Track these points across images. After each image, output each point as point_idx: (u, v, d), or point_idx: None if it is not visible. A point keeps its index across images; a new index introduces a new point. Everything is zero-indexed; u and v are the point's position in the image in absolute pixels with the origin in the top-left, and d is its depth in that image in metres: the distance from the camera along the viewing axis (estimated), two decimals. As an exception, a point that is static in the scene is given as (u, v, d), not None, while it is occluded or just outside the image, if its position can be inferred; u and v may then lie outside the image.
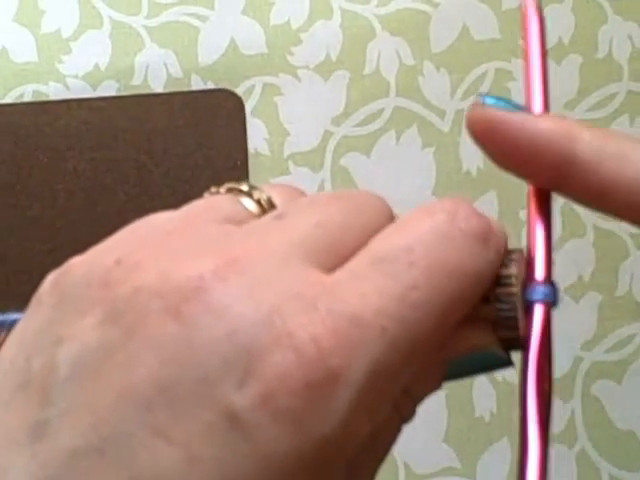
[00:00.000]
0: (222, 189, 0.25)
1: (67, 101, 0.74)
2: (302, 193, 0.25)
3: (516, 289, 0.24)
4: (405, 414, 0.24)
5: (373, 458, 0.23)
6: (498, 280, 0.23)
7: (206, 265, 0.20)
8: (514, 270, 0.24)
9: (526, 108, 0.24)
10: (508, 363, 0.24)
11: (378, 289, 0.20)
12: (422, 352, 0.21)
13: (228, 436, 0.19)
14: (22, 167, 0.73)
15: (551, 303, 0.24)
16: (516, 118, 0.23)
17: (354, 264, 0.21)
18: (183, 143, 0.74)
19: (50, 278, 0.23)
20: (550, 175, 0.23)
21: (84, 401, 0.19)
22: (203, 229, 0.22)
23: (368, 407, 0.20)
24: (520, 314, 0.24)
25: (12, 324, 0.24)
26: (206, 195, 0.25)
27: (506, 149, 0.23)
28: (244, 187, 0.25)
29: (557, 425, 0.73)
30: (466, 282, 0.22)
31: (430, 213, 0.22)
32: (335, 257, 0.21)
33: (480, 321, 0.23)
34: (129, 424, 0.19)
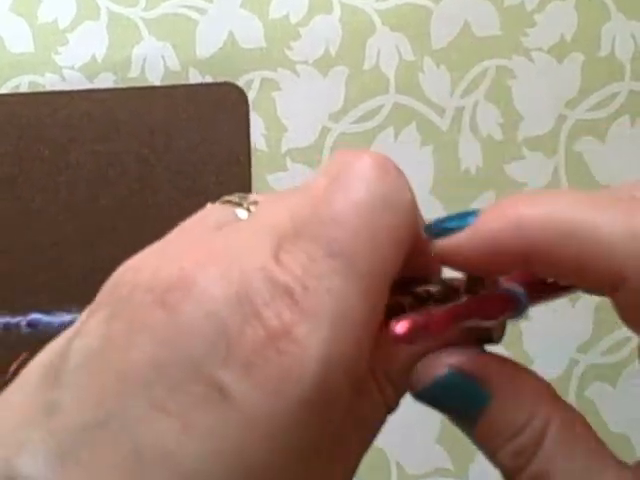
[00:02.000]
0: (218, 202, 0.28)
1: (69, 92, 0.74)
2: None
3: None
4: (389, 401, 0.26)
5: (359, 438, 0.26)
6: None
7: (187, 259, 0.23)
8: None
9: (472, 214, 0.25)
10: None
11: (308, 255, 0.23)
12: (376, 291, 0.23)
13: (218, 406, 0.21)
14: (24, 159, 0.73)
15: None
16: (462, 236, 0.24)
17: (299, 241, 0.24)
18: (186, 137, 0.73)
19: None
20: (522, 262, 0.24)
21: (91, 382, 0.22)
22: (194, 234, 0.25)
23: (340, 364, 0.22)
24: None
25: (63, 325, 0.28)
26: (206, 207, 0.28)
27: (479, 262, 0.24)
28: (235, 198, 0.27)
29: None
30: (378, 210, 0.24)
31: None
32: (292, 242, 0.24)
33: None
34: (130, 399, 0.21)
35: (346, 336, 0.22)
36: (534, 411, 0.24)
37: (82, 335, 0.23)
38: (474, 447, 0.75)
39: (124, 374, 0.22)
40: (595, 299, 0.74)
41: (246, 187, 0.72)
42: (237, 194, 0.27)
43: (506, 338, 0.27)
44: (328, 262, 0.23)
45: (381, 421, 0.26)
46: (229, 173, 0.73)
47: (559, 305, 0.73)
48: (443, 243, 0.24)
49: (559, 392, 0.25)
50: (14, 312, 0.60)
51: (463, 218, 0.24)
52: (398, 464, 0.74)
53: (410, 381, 0.26)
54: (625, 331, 0.83)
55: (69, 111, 0.73)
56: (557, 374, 0.72)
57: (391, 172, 0.25)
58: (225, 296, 0.22)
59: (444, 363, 0.25)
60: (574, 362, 0.73)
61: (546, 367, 0.58)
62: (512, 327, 0.27)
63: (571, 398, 0.72)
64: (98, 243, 0.69)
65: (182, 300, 0.22)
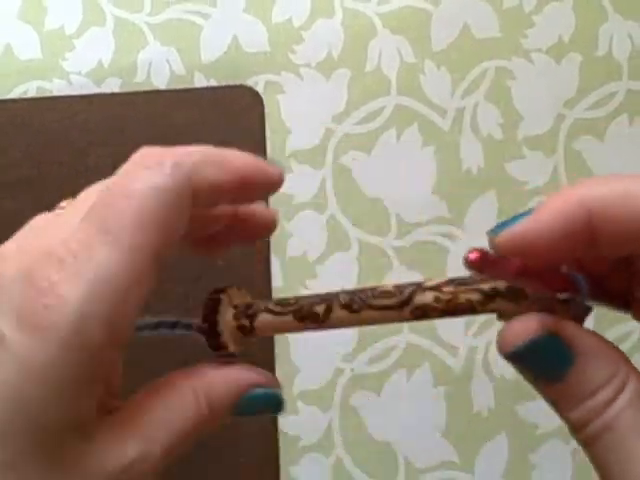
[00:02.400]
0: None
1: (89, 96, 0.75)
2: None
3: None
4: (205, 419, 0.31)
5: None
6: None
7: (10, 242, 0.31)
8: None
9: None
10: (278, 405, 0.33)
11: (82, 233, 0.28)
12: (139, 263, 0.28)
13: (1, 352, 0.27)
14: (43, 163, 0.73)
15: None
16: (526, 223, 0.27)
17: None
18: (203, 139, 0.74)
19: None
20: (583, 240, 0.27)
21: None
22: (33, 221, 0.32)
23: (95, 318, 0.27)
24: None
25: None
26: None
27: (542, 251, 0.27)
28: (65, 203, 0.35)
29: (551, 424, 0.75)
30: (141, 195, 0.28)
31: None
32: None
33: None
34: None
35: (103, 296, 0.27)
36: (613, 372, 0.27)
37: None
38: (479, 441, 0.76)
39: None
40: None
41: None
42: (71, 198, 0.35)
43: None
44: (99, 237, 0.28)
45: (190, 422, 0.31)
46: None
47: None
48: (507, 233, 0.27)
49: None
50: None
51: (524, 214, 0.27)
52: (405, 458, 0.75)
53: (499, 343, 0.28)
54: (626, 326, 0.84)
55: (87, 115, 0.74)
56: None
57: (166, 165, 0.29)
58: (16, 271, 0.28)
59: (538, 325, 0.27)
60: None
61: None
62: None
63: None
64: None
65: None
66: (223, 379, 0.31)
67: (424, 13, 0.78)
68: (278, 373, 0.73)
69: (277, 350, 0.74)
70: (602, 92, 0.78)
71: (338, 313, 0.32)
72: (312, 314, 0.32)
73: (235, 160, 0.32)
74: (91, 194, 0.31)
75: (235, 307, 0.34)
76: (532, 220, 0.26)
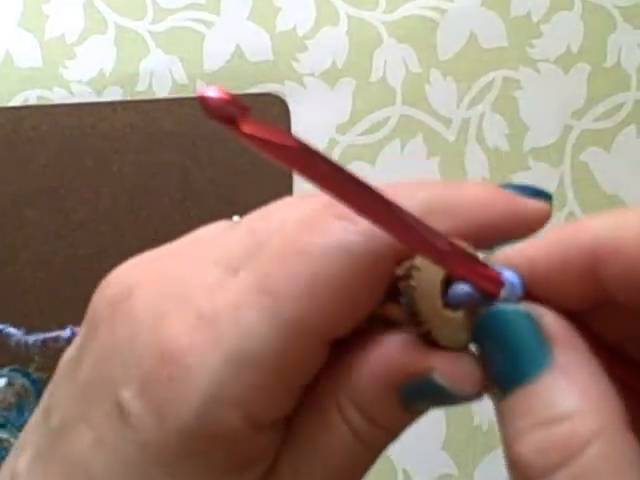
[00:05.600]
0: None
1: (112, 103, 0.74)
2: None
3: (415, 282, 0.22)
4: (360, 431, 0.23)
5: (325, 472, 0.23)
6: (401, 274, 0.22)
7: (136, 277, 0.24)
8: (417, 261, 0.22)
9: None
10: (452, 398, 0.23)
11: (236, 286, 0.22)
12: (298, 342, 0.21)
13: (120, 424, 0.22)
14: (67, 170, 0.73)
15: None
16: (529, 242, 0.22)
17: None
18: (227, 147, 0.73)
19: None
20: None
21: (67, 393, 0.24)
22: (199, 232, 0.26)
23: (229, 404, 0.21)
24: (426, 307, 0.22)
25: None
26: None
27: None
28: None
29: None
30: (322, 257, 0.21)
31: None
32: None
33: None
34: (74, 410, 0.23)
35: (242, 377, 0.21)
36: (584, 410, 0.20)
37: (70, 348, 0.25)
38: (478, 454, 0.76)
39: (76, 386, 0.23)
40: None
41: (287, 197, 0.73)
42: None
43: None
44: (252, 296, 0.21)
45: (352, 451, 0.23)
46: (270, 183, 0.73)
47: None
48: (509, 250, 0.22)
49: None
50: (57, 323, 0.61)
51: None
52: (404, 471, 0.75)
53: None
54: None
55: (112, 123, 0.73)
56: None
57: (359, 223, 0.22)
58: (149, 315, 0.22)
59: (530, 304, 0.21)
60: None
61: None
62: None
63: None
64: (140, 254, 0.69)
65: (117, 319, 0.23)
66: (369, 374, 0.22)
67: (430, 22, 0.76)
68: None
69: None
70: (610, 103, 0.77)
71: None
72: None
73: (469, 204, 0.23)
74: (281, 224, 0.23)
75: None
76: (535, 241, 0.22)
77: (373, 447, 0.23)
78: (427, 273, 0.22)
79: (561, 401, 0.20)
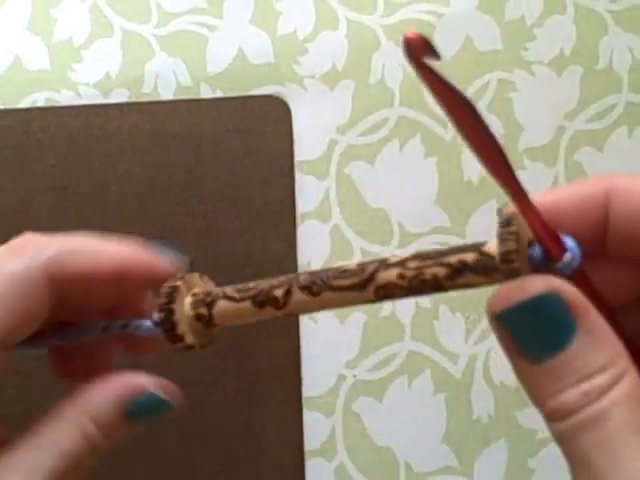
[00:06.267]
0: None
1: (119, 105, 0.76)
2: None
3: (516, 228, 0.26)
4: (94, 443, 0.30)
5: None
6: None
7: None
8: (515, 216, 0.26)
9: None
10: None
11: None
12: None
13: None
14: (74, 170, 0.75)
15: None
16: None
17: None
18: (232, 148, 0.75)
19: None
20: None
21: None
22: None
23: None
24: (521, 248, 0.26)
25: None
26: None
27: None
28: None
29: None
30: None
31: None
32: None
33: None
34: None
35: None
36: (613, 359, 0.24)
37: None
38: (479, 446, 0.78)
39: None
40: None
41: (290, 197, 0.75)
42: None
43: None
44: None
45: (79, 449, 0.30)
46: (274, 183, 0.75)
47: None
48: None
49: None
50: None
51: None
52: (406, 463, 0.77)
53: (491, 300, 0.25)
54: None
55: (118, 124, 0.75)
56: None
57: (27, 252, 0.30)
58: None
59: (544, 283, 0.25)
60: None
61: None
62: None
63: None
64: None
65: None
66: (101, 392, 0.30)
67: (427, 25, 0.79)
68: (282, 380, 0.75)
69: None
70: (602, 104, 0.79)
71: (298, 296, 0.28)
72: (271, 299, 0.29)
73: (112, 252, 0.32)
74: None
75: (194, 295, 0.30)
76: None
77: (106, 439, 0.30)
78: (522, 227, 0.26)
79: (592, 358, 0.24)
